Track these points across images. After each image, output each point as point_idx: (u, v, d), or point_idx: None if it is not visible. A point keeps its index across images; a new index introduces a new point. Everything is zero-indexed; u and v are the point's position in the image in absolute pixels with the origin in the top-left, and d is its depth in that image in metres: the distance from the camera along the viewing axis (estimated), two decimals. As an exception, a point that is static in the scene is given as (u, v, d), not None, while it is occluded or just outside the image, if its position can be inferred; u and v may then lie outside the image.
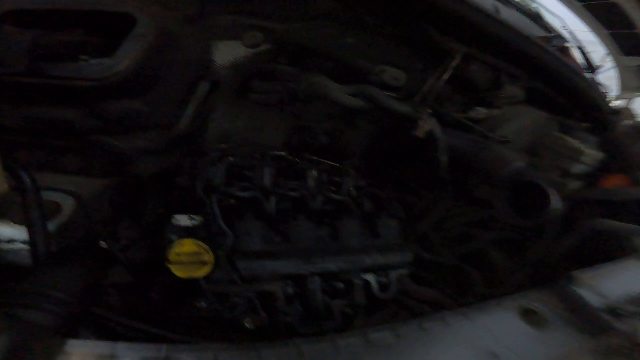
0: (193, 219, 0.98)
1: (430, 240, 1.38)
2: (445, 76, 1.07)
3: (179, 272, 0.89)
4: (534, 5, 2.15)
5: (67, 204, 1.08)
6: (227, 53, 0.98)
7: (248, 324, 0.92)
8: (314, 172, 1.17)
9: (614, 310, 0.76)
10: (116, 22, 0.79)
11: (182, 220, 0.97)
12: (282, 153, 1.18)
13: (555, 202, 0.95)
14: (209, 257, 0.91)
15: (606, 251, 1.15)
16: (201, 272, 0.90)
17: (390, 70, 1.08)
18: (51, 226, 1.02)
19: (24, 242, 0.97)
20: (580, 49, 2.06)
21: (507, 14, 1.40)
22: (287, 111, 1.27)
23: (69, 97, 0.83)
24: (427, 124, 1.08)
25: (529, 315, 0.76)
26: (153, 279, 0.93)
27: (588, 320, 0.75)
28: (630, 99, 3.70)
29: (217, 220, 0.95)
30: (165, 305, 0.92)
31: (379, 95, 1.06)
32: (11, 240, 0.98)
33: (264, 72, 1.08)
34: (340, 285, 1.05)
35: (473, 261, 1.35)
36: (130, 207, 1.16)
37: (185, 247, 0.91)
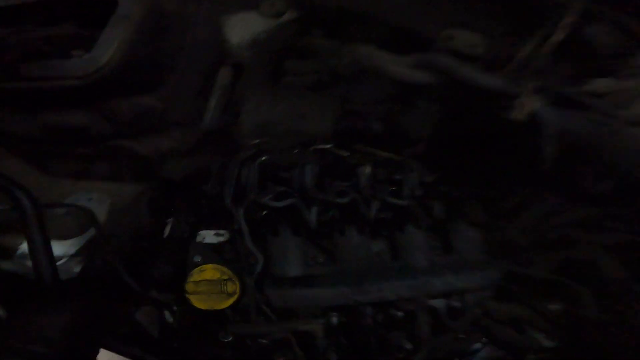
0: (220, 235, 0.83)
1: (519, 245, 1.08)
2: (555, 40, 0.76)
3: (199, 303, 0.75)
4: None
5: (101, 214, 1.01)
6: (243, 29, 0.78)
7: (282, 364, 0.76)
8: (367, 169, 0.94)
9: None
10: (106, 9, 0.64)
11: (208, 236, 0.83)
12: (327, 146, 0.97)
13: None
14: (233, 286, 0.75)
15: None
16: (225, 303, 0.75)
17: (462, 35, 0.78)
18: (81, 241, 0.96)
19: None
20: None
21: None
22: (333, 94, 1.04)
23: (66, 100, 0.72)
24: (529, 103, 0.78)
25: None
26: (175, 304, 0.81)
27: None
28: None
29: (244, 239, 0.78)
30: (187, 336, 0.79)
31: (458, 66, 0.78)
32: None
33: (298, 50, 0.87)
34: (400, 314, 0.84)
35: (577, 274, 1.03)
36: (171, 211, 1.06)
37: (207, 273, 0.76)
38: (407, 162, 0.98)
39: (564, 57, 0.86)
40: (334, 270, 0.81)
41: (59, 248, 0.92)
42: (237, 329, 0.73)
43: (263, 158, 0.88)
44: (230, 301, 0.75)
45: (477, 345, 1.00)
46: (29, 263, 0.89)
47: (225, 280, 0.75)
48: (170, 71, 0.75)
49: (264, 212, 0.84)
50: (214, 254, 0.81)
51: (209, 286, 0.74)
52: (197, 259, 0.80)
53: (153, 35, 0.68)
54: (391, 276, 0.82)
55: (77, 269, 0.91)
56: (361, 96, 1.07)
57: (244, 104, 0.97)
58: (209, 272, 0.75)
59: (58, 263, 0.92)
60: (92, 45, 0.67)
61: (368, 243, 0.85)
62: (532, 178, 0.98)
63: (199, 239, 0.82)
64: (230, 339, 0.75)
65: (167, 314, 0.83)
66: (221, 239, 0.82)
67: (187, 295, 0.74)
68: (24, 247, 0.92)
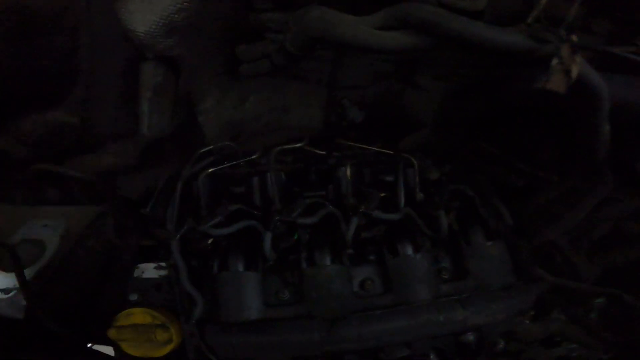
0: (162, 268, 0.68)
1: (559, 249, 0.84)
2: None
3: (131, 349, 0.61)
4: None
5: (53, 242, 0.91)
6: (146, 13, 0.61)
7: None
8: (348, 171, 0.73)
9: None
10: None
11: (148, 270, 0.68)
12: (298, 145, 0.77)
13: None
14: (166, 334, 0.60)
15: None
16: (160, 352, 0.60)
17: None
18: (31, 272, 0.87)
19: (5, 292, 0.85)
20: None
21: None
22: (313, 79, 0.84)
23: None
24: (570, 66, 0.53)
25: None
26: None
27: None
28: None
29: (180, 277, 0.62)
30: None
31: (447, 19, 0.54)
32: (-3, 290, 0.86)
33: (247, 31, 0.67)
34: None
35: (632, 280, 0.80)
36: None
37: (136, 318, 0.61)
38: (403, 157, 0.76)
39: (601, 11, 0.59)
40: (302, 311, 0.63)
41: (8, 280, 0.85)
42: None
43: (210, 170, 0.70)
44: (167, 350, 0.60)
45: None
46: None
47: (155, 326, 0.60)
48: (73, 79, 0.60)
49: (210, 241, 0.67)
50: (154, 291, 0.66)
51: (135, 333, 0.59)
52: (134, 297, 0.65)
53: (22, 42, 0.53)
54: (379, 317, 0.62)
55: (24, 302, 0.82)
56: (350, 78, 0.86)
57: (199, 103, 0.80)
58: (138, 316, 0.61)
59: (6, 296, 0.85)
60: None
61: (348, 272, 0.65)
62: (577, 165, 0.71)
63: (137, 273, 0.68)
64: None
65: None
66: (162, 273, 0.67)
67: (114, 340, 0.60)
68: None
